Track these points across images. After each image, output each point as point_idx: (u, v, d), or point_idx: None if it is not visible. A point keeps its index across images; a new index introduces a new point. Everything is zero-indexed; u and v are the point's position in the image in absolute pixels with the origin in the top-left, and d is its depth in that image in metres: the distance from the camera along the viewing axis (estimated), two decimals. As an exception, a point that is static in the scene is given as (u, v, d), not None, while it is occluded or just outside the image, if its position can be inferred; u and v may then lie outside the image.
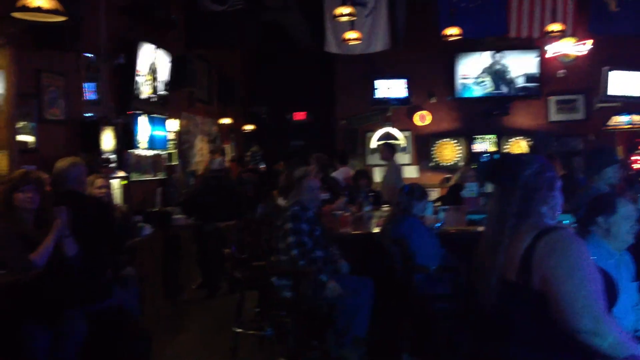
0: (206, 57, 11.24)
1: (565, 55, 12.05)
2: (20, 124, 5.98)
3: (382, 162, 12.48)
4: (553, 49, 11.91)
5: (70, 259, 4.19)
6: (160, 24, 8.83)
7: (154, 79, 8.65)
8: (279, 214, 5.39)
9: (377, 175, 12.12)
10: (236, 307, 5.97)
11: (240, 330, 5.80)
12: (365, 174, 9.12)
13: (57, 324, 3.87)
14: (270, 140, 13.97)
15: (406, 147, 12.65)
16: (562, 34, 9.11)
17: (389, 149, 9.93)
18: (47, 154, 6.13)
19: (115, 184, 7.26)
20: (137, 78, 8.12)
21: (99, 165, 6.73)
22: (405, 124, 12.73)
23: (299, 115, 14.19)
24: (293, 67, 13.52)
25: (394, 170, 9.68)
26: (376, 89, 12.41)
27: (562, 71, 12.23)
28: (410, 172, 12.20)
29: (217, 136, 12.00)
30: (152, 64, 8.54)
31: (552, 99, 12.35)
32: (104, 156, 7.11)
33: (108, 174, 6.71)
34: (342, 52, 10.33)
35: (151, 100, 8.60)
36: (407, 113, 12.72)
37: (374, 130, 12.66)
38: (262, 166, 11.59)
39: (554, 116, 12.40)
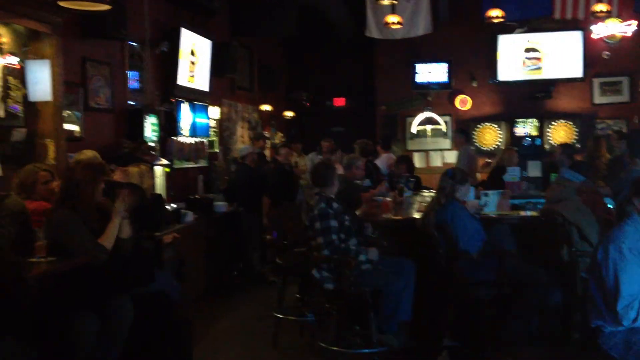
0: (247, 44, 11.27)
1: (611, 37, 11.78)
2: (66, 113, 6.10)
3: (422, 147, 12.54)
4: (598, 30, 11.66)
5: (124, 242, 4.28)
6: (203, 11, 8.88)
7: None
8: (306, 211, 5.30)
9: (417, 160, 12.05)
10: (277, 293, 6.03)
11: (281, 316, 5.86)
12: (406, 159, 9.09)
13: (106, 310, 3.95)
14: (310, 126, 13.98)
15: (447, 132, 12.56)
16: (608, 15, 8.91)
17: (459, 135, 9.94)
18: (93, 142, 6.25)
19: (159, 171, 7.36)
20: (180, 65, 8.19)
21: (143, 153, 6.83)
22: (446, 109, 12.61)
23: (339, 101, 14.13)
24: (333, 53, 13.46)
25: (463, 156, 9.66)
26: (417, 73, 12.29)
27: (606, 53, 11.95)
28: (451, 157, 12.09)
29: (258, 123, 12.05)
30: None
31: (596, 81, 12.09)
32: (148, 144, 7.20)
33: (152, 162, 6.80)
34: (383, 36, 10.28)
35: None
36: (448, 97, 12.60)
37: (414, 115, 12.58)
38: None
39: (598, 99, 12.14)
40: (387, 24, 8.74)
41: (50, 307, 3.79)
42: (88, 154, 5.38)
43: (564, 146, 8.31)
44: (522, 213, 6.11)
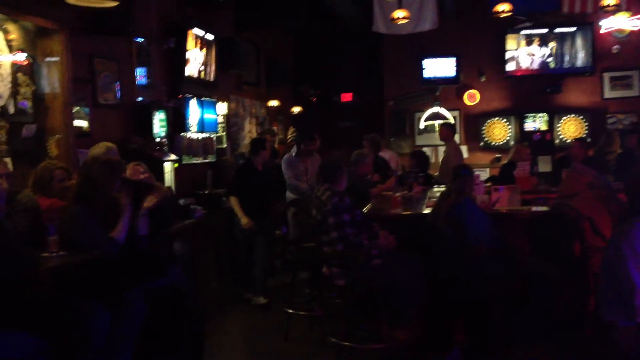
0: (254, 39, 11.25)
1: (620, 30, 11.69)
2: (75, 109, 6.11)
3: (430, 143, 12.45)
4: (607, 24, 11.57)
5: (140, 238, 4.28)
6: (209, 5, 8.86)
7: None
8: (317, 206, 5.27)
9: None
10: (288, 288, 6.03)
11: (291, 310, 5.86)
12: (418, 155, 9.03)
13: (118, 304, 3.95)
14: (317, 121, 13.95)
15: (455, 127, 12.48)
16: (617, 9, 8.82)
17: (448, 128, 9.73)
18: (101, 138, 6.23)
19: (168, 167, 7.36)
20: (187, 61, 8.18)
21: (151, 148, 6.83)
22: (454, 104, 12.54)
23: (347, 97, 14.08)
24: (340, 48, 13.41)
25: (454, 151, 9.51)
26: (424, 68, 12.23)
27: (616, 47, 11.87)
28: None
29: (266, 118, 12.04)
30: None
31: (606, 75, 12.01)
32: (156, 140, 7.20)
33: (161, 158, 6.80)
34: (390, 31, 10.19)
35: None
36: (456, 92, 12.55)
37: (422, 111, 12.52)
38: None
39: (608, 93, 12.05)
40: (393, 19, 8.68)
41: (62, 301, 3.79)
42: (102, 148, 5.36)
43: (578, 141, 8.29)
44: (533, 208, 6.09)
